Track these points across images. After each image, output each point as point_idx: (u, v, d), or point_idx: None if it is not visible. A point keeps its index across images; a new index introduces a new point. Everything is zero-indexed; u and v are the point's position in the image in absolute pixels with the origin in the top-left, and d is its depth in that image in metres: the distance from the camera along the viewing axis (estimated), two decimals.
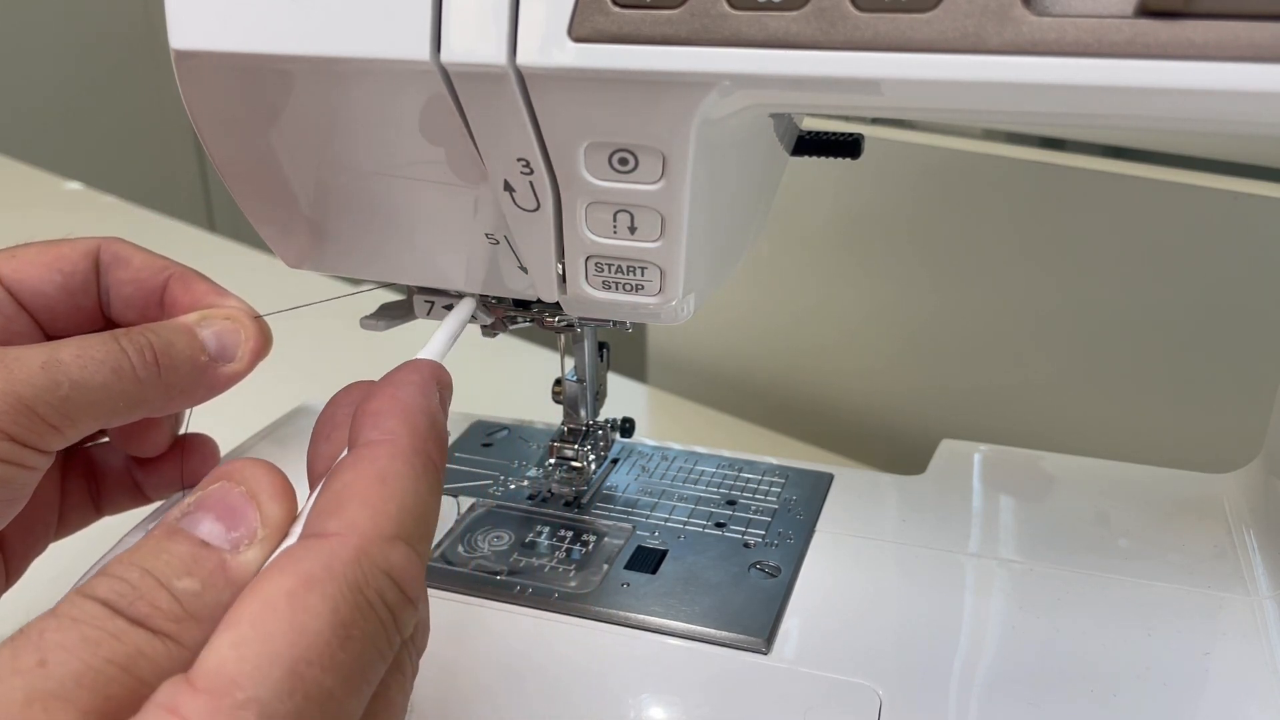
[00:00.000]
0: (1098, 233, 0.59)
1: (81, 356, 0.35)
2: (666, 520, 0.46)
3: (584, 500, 0.47)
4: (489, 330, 0.44)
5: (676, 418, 0.77)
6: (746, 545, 0.44)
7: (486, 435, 0.54)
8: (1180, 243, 0.56)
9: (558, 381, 0.49)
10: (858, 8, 0.26)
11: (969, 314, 0.65)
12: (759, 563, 0.43)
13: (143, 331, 0.38)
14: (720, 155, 0.33)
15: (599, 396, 0.50)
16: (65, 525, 0.43)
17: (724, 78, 0.28)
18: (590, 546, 0.44)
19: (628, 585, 0.42)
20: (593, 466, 0.49)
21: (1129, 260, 0.58)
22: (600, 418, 0.50)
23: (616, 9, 0.27)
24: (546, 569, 0.43)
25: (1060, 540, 0.44)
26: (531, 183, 0.32)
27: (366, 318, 0.45)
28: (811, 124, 0.41)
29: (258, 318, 0.41)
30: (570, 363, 0.48)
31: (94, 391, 0.35)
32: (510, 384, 0.79)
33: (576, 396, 0.49)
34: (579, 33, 0.28)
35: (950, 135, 0.63)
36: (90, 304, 0.41)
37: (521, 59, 0.29)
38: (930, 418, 0.69)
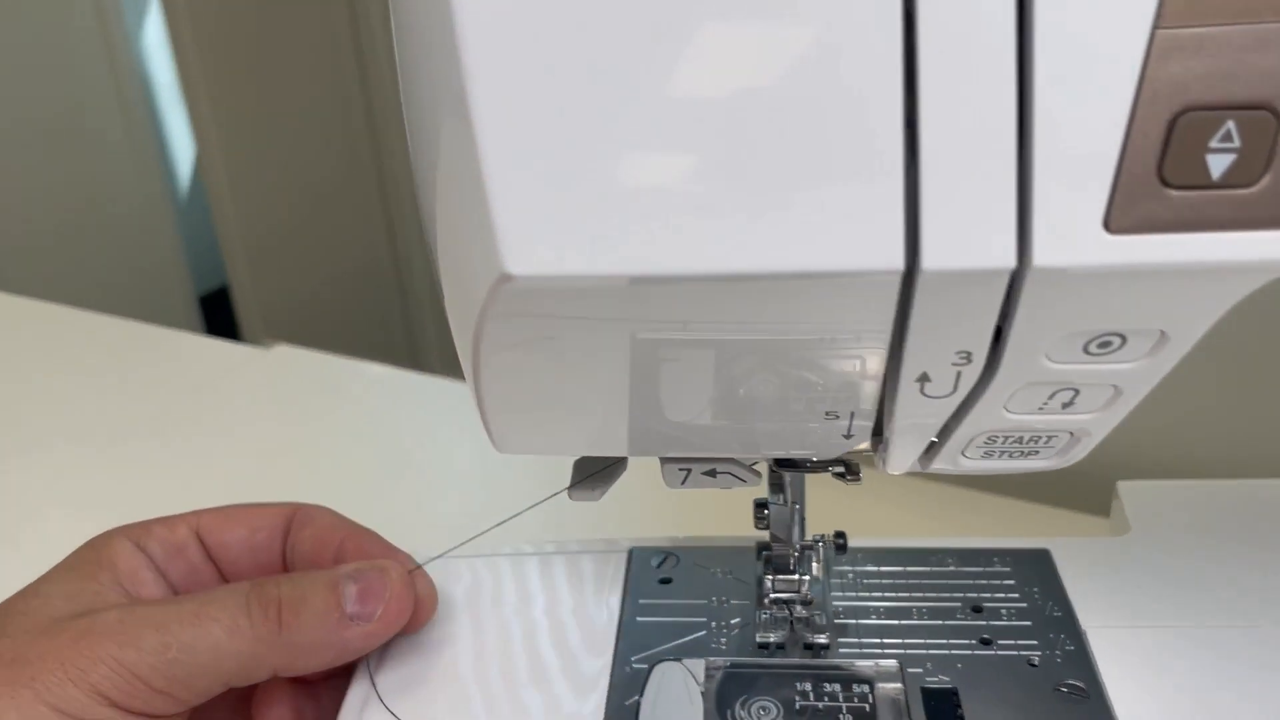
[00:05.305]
0: None
1: (199, 614, 0.35)
2: (925, 646, 0.41)
3: (825, 639, 0.42)
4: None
5: None
6: (1032, 665, 0.40)
7: (655, 566, 0.47)
8: None
9: (761, 505, 0.43)
10: None
11: None
12: (1060, 685, 0.39)
13: (278, 582, 0.37)
14: None
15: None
16: None
17: None
18: (871, 700, 0.39)
19: None
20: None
21: None
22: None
23: (1171, 191, 0.22)
24: None
25: None
26: (960, 372, 0.27)
27: (575, 489, 0.39)
28: None
29: (415, 570, 0.40)
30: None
31: (204, 654, 0.34)
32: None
33: (786, 519, 0.43)
34: (1120, 224, 0.22)
35: None
36: (271, 560, 0.42)
37: (1040, 259, 0.23)
38: None
